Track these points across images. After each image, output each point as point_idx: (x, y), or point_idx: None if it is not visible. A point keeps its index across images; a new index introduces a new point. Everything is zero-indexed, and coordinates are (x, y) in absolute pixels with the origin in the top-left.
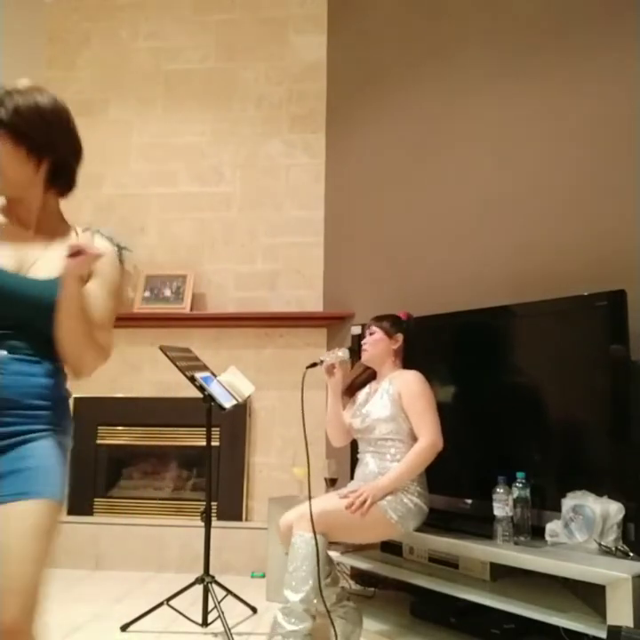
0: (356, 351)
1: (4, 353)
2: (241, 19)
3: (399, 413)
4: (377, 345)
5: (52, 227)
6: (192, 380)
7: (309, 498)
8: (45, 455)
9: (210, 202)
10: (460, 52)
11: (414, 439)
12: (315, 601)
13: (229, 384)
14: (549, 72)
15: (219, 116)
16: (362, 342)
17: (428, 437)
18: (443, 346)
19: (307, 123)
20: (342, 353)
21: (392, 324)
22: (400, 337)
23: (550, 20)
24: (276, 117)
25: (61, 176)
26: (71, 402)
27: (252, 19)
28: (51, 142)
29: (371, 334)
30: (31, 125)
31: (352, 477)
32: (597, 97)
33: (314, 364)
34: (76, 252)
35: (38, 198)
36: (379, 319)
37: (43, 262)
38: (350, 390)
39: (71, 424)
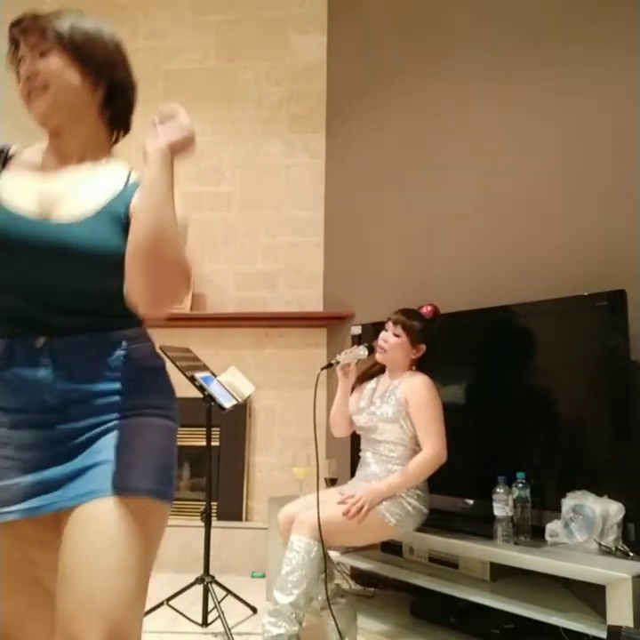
0: (374, 349)
1: (42, 340)
2: (241, 19)
3: (404, 418)
4: (397, 349)
5: (97, 160)
6: (192, 380)
7: (317, 504)
8: (123, 444)
9: (210, 202)
10: (461, 52)
11: (417, 445)
12: (304, 606)
13: (229, 384)
14: (550, 72)
15: (218, 116)
16: (382, 338)
17: (433, 449)
18: (442, 346)
19: (307, 123)
20: (360, 351)
21: (421, 331)
22: (422, 348)
23: (551, 20)
24: (276, 117)
25: (117, 104)
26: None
27: (252, 19)
28: (110, 63)
29: (396, 335)
30: (90, 42)
31: (352, 476)
32: (598, 97)
33: (330, 365)
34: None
35: (88, 126)
36: (408, 317)
37: (77, 196)
38: (360, 378)
39: (170, 399)
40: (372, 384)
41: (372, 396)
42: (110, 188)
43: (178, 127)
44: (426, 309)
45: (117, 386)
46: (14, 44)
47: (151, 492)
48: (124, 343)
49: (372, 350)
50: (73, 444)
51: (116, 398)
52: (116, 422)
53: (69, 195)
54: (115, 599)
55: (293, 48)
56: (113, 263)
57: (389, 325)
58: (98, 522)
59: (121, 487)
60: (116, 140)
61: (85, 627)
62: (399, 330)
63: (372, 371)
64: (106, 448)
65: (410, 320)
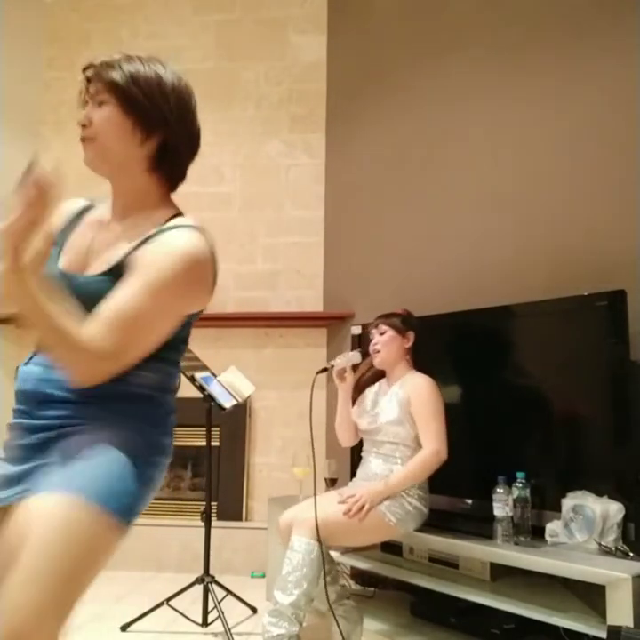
0: (367, 353)
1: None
2: (241, 19)
3: (407, 418)
4: (390, 345)
5: (145, 216)
6: (192, 380)
7: (315, 505)
8: (73, 447)
9: (210, 202)
10: (461, 52)
11: (419, 444)
12: (304, 606)
13: (229, 384)
14: (550, 71)
15: (218, 116)
16: (371, 343)
17: (433, 447)
18: (442, 346)
19: (307, 123)
20: (354, 356)
21: (402, 321)
22: (412, 335)
23: (551, 19)
24: (276, 117)
25: (169, 160)
26: (166, 401)
27: (252, 19)
28: (164, 118)
29: (381, 334)
30: (146, 95)
31: (352, 477)
32: (598, 97)
33: (325, 369)
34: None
35: (134, 179)
36: (386, 317)
37: (105, 255)
38: (357, 388)
39: (151, 425)
40: (374, 388)
41: (376, 398)
42: (131, 244)
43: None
44: (400, 310)
45: (93, 392)
46: (84, 87)
47: (84, 492)
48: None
49: (365, 355)
50: (34, 440)
51: (90, 407)
52: (77, 427)
53: (102, 251)
54: (19, 604)
55: (293, 48)
56: None
57: (373, 332)
58: (23, 519)
59: (55, 483)
60: (173, 189)
61: None
62: (383, 328)
63: (366, 376)
64: (58, 450)
65: (388, 318)
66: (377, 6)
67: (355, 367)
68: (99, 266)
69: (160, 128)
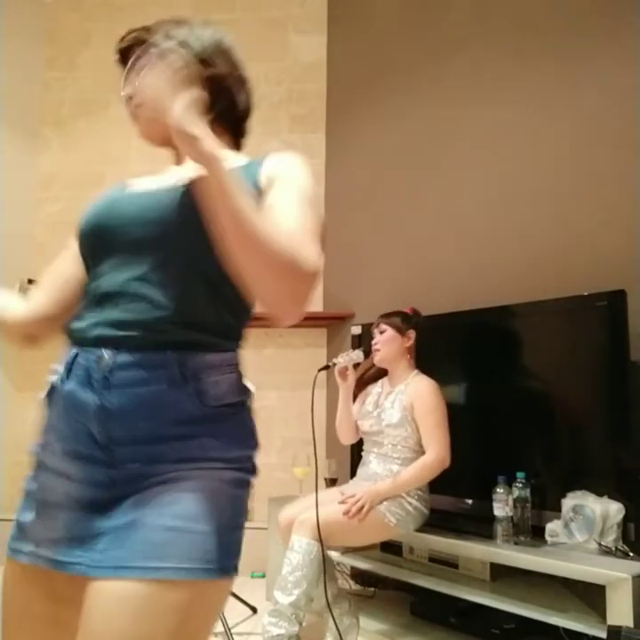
0: (369, 352)
1: (108, 354)
2: (241, 19)
3: (409, 422)
4: (390, 344)
5: None
6: None
7: (317, 505)
8: (172, 504)
9: None
10: (461, 52)
11: (420, 446)
12: (304, 606)
13: None
14: (550, 73)
15: None
16: (372, 342)
17: (437, 453)
18: (443, 346)
19: (307, 123)
20: (356, 355)
21: (403, 320)
22: (413, 334)
23: (551, 21)
24: (276, 117)
25: (224, 104)
26: (248, 407)
27: (252, 19)
28: (207, 63)
29: (381, 333)
30: (184, 47)
31: (352, 477)
32: (598, 98)
33: (326, 367)
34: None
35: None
36: (387, 316)
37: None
38: (359, 385)
39: (248, 445)
40: (377, 388)
41: (378, 400)
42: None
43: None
44: (407, 309)
45: (181, 430)
46: (122, 63)
47: (201, 572)
48: (201, 375)
49: (367, 354)
50: (114, 493)
51: (177, 445)
52: (171, 474)
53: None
54: None
55: (293, 48)
56: (181, 241)
57: (374, 331)
58: (119, 610)
59: (157, 566)
60: (238, 147)
61: None
62: (383, 327)
63: (368, 374)
64: (148, 506)
65: (388, 317)
66: (377, 6)
67: (356, 366)
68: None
69: (206, 75)
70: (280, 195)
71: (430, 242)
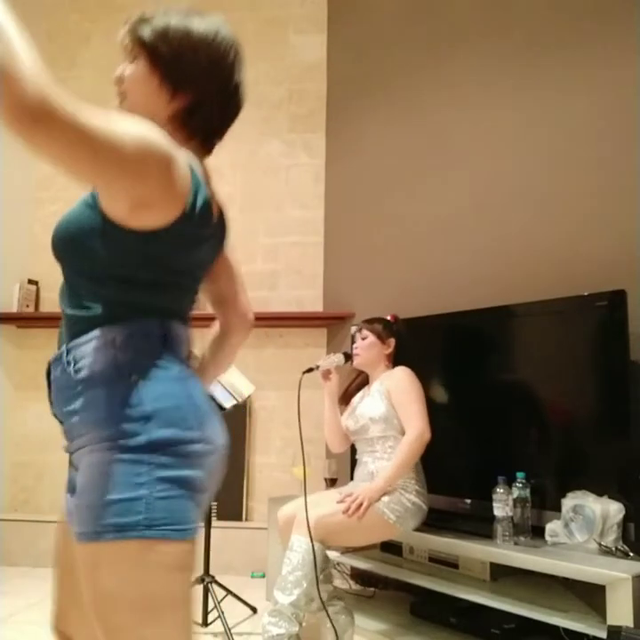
0: (350, 356)
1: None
2: (241, 19)
3: (390, 411)
4: (369, 349)
5: None
6: None
7: (305, 504)
8: (82, 478)
9: None
10: (461, 52)
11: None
12: (304, 606)
13: (229, 384)
14: (550, 73)
15: None
16: (353, 347)
17: (415, 429)
18: (442, 346)
19: (307, 123)
20: (337, 358)
21: (384, 327)
22: (392, 342)
23: (551, 21)
24: (276, 117)
25: (198, 119)
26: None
27: (252, 19)
28: (192, 76)
29: (363, 338)
30: (172, 50)
31: (352, 477)
32: (597, 97)
33: (310, 370)
34: None
35: None
36: (370, 322)
37: None
38: (345, 397)
39: (127, 418)
40: (360, 394)
41: (360, 401)
42: None
43: None
44: (389, 316)
45: (74, 406)
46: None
47: (82, 535)
48: (73, 351)
49: (348, 357)
50: (73, 468)
51: (75, 420)
52: (74, 454)
53: None
54: None
55: (293, 48)
56: (67, 240)
57: (356, 336)
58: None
59: (81, 532)
60: (209, 151)
61: None
62: (364, 333)
63: (354, 384)
64: (78, 482)
65: (370, 323)
66: (377, 6)
67: (347, 360)
68: None
69: (188, 85)
70: None
71: (430, 241)
